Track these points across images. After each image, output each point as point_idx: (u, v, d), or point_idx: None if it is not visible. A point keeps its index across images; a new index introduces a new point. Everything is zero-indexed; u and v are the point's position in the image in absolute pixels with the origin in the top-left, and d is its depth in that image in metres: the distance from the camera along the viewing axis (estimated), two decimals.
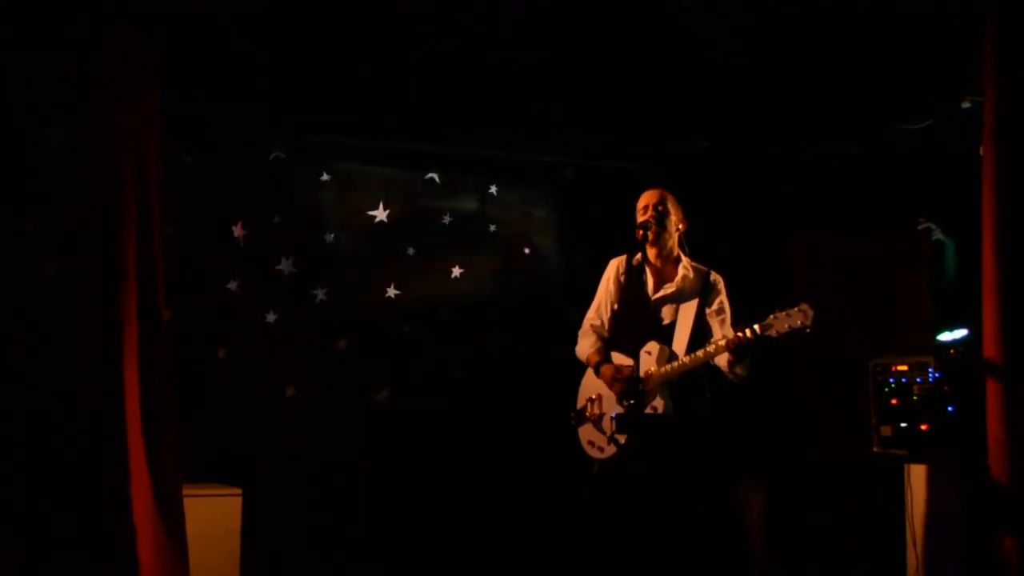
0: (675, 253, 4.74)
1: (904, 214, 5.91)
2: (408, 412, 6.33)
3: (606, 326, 4.84)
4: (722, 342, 4.30)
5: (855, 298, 5.89)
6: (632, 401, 4.38)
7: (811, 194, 6.33)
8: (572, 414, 4.78)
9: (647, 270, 4.69)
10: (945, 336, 5.13)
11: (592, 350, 4.79)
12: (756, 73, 5.60)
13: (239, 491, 5.28)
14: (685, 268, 4.68)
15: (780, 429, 6.33)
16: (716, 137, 6.46)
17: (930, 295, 5.74)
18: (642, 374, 4.40)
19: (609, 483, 4.53)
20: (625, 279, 4.79)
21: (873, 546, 5.44)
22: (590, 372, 4.80)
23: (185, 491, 4.49)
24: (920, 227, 5.83)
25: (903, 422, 4.75)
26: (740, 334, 4.22)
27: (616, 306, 4.81)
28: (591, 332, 4.87)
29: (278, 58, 5.52)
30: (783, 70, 5.54)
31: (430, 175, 6.59)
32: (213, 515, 5.12)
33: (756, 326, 4.18)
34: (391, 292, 6.43)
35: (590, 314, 4.92)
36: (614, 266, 4.89)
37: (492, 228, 6.74)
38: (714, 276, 4.71)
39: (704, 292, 4.64)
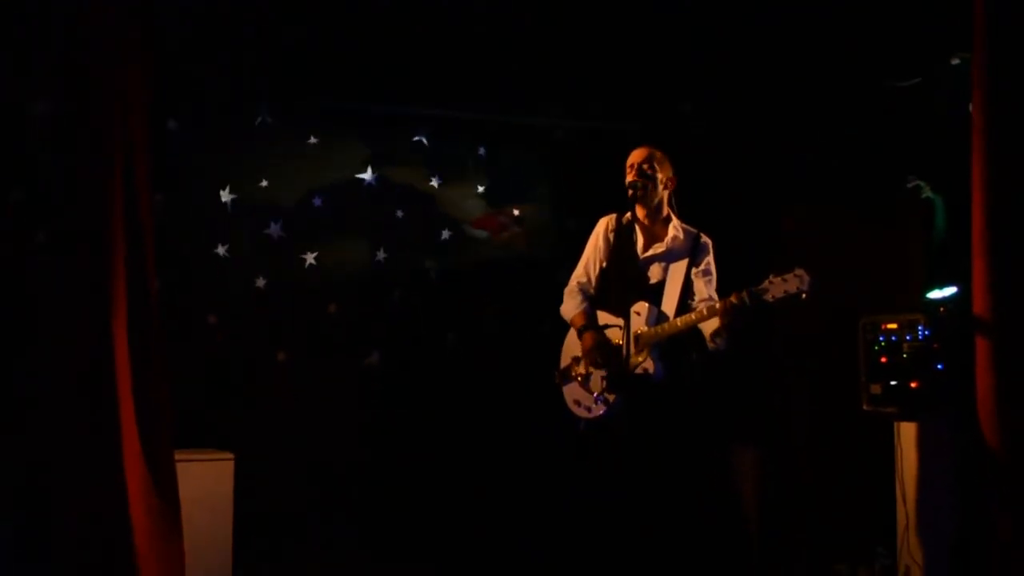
0: (665, 212, 4.72)
1: (894, 172, 5.89)
2: (399, 376, 6.35)
3: (593, 284, 4.81)
4: (716, 305, 4.26)
5: (846, 258, 5.89)
6: (611, 374, 4.38)
7: (802, 154, 6.30)
8: (556, 373, 4.76)
9: (636, 229, 4.66)
10: (935, 294, 5.13)
11: (578, 311, 4.73)
12: (745, 32, 5.58)
13: (231, 456, 5.29)
14: (675, 229, 4.66)
15: (771, 391, 6.34)
16: (707, 99, 6.42)
17: (921, 253, 5.73)
18: (632, 333, 4.39)
19: (597, 442, 4.52)
20: (614, 237, 4.76)
21: (863, 504, 5.47)
22: (572, 332, 4.77)
23: (177, 456, 4.50)
24: (910, 185, 5.82)
25: (893, 380, 4.76)
26: (734, 299, 4.18)
27: (604, 264, 4.78)
28: (577, 291, 4.82)
29: (264, 21, 5.48)
30: (772, 29, 5.51)
31: (418, 137, 6.56)
32: (205, 480, 5.13)
33: (751, 290, 4.15)
34: (380, 256, 6.42)
35: (578, 271, 4.88)
36: (603, 224, 4.86)
37: (480, 190, 6.72)
38: (704, 238, 4.69)
39: (694, 253, 4.62)
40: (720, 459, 6.30)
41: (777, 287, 4.08)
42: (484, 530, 6.23)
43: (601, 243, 4.82)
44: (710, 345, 4.42)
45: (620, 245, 4.71)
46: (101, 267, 4.20)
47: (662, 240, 4.65)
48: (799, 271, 4.05)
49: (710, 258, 4.66)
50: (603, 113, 6.67)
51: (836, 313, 5.46)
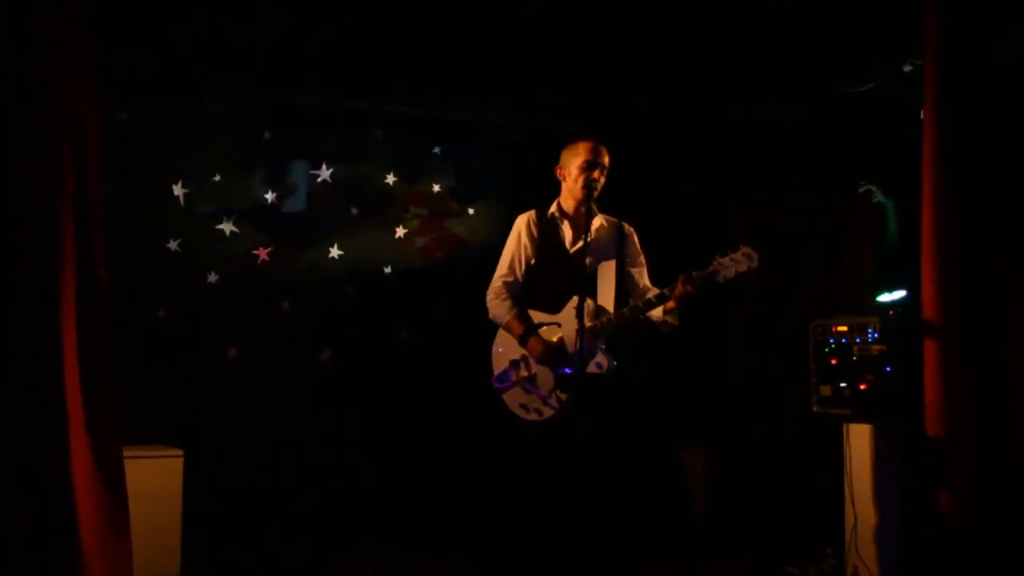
0: (590, 205, 4.63)
1: (846, 176, 5.96)
2: (351, 373, 6.32)
3: (521, 282, 4.69)
4: (668, 292, 4.21)
5: (797, 261, 5.94)
6: (568, 372, 4.32)
7: (753, 156, 6.35)
8: (492, 378, 4.64)
9: (563, 223, 4.62)
10: (885, 297, 5.18)
11: (511, 316, 4.59)
12: (699, 33, 5.60)
13: (181, 452, 5.24)
14: (600, 220, 4.62)
15: (721, 391, 6.38)
16: (659, 98, 6.45)
17: (871, 257, 5.80)
18: (574, 329, 4.29)
19: (550, 444, 4.43)
20: (539, 232, 4.69)
21: (814, 504, 5.51)
22: (504, 335, 4.64)
23: (126, 452, 4.43)
24: (861, 189, 5.88)
25: (842, 382, 4.80)
26: (687, 286, 4.12)
27: (533, 261, 4.69)
28: (504, 292, 4.67)
29: (218, 13, 5.43)
30: (727, 30, 5.54)
31: (374, 135, 6.54)
32: (155, 476, 5.09)
33: (702, 273, 4.10)
34: (334, 252, 6.39)
35: (502, 271, 4.72)
36: (524, 220, 4.73)
37: (436, 189, 6.71)
38: (627, 227, 4.68)
39: (620, 244, 4.59)
40: (670, 456, 6.32)
41: (728, 268, 4.04)
42: (438, 526, 6.22)
43: (526, 239, 4.69)
44: (662, 328, 4.40)
45: (547, 240, 4.66)
46: (49, 258, 4.13)
47: (589, 232, 4.55)
48: (746, 249, 4.02)
49: (637, 246, 4.65)
50: (558, 114, 6.68)
51: (786, 314, 5.50)
